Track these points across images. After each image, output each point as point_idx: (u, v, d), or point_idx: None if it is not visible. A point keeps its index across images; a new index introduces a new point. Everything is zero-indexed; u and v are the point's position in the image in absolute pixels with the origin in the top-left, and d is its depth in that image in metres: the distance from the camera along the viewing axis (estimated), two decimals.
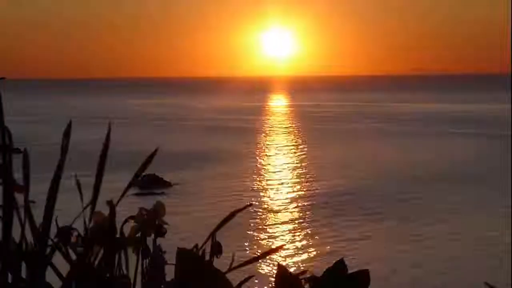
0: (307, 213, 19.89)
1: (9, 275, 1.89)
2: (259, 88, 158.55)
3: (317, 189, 23.64)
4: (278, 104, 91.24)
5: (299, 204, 21.20)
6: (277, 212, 20.01)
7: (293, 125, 52.33)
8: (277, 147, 37.52)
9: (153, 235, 2.20)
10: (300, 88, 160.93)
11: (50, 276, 1.98)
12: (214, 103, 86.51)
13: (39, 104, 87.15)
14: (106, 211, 2.11)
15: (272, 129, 49.64)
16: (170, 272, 2.18)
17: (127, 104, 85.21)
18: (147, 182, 22.86)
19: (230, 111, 69.07)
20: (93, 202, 1.94)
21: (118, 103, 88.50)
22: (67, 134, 1.89)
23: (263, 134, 45.15)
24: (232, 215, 1.93)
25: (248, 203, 2.02)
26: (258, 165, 29.94)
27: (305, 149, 36.30)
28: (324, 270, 2.41)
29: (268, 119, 59.17)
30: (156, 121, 56.50)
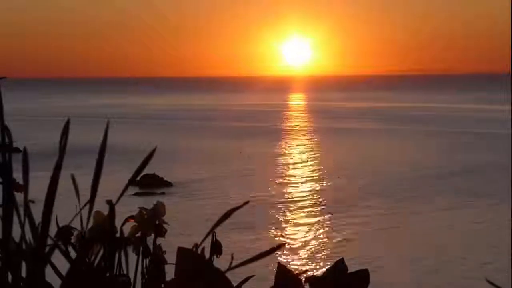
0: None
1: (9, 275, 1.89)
2: (281, 87, 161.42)
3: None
4: (295, 102, 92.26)
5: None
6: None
7: (312, 125, 52.20)
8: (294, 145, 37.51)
9: (153, 235, 2.20)
10: (317, 87, 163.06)
11: (50, 275, 1.97)
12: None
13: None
14: (103, 210, 2.10)
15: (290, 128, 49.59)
16: (170, 272, 2.18)
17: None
18: (147, 181, 22.84)
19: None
20: (91, 201, 1.93)
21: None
22: (65, 133, 1.87)
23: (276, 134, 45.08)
24: (229, 213, 1.92)
25: (246, 201, 2.01)
26: (265, 165, 29.92)
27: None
28: (325, 269, 2.41)
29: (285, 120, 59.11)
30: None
